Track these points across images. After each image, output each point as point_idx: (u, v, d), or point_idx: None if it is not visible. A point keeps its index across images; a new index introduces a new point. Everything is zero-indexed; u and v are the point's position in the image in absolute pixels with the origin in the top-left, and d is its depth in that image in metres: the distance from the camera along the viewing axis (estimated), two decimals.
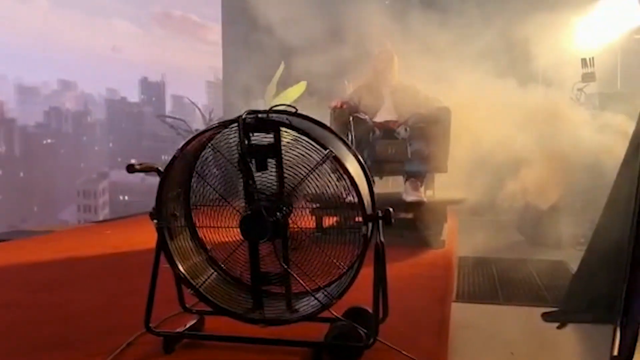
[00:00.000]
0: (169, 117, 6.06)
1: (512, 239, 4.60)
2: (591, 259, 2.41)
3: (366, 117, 3.43)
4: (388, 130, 3.53)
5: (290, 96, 5.68)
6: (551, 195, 4.32)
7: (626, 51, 5.30)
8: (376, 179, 3.51)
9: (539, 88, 6.06)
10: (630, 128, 2.41)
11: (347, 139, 3.27)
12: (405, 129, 3.42)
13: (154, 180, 1.52)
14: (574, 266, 2.92)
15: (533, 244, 4.32)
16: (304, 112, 1.62)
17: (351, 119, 3.30)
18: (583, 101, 4.76)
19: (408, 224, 3.30)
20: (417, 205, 3.24)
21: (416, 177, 3.31)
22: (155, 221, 1.56)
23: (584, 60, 4.97)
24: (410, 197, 3.21)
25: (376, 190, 1.64)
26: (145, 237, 1.99)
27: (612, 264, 2.16)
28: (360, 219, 1.50)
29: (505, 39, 6.12)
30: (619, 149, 2.50)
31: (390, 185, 4.00)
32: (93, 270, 2.81)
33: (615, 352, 1.46)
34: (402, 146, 3.36)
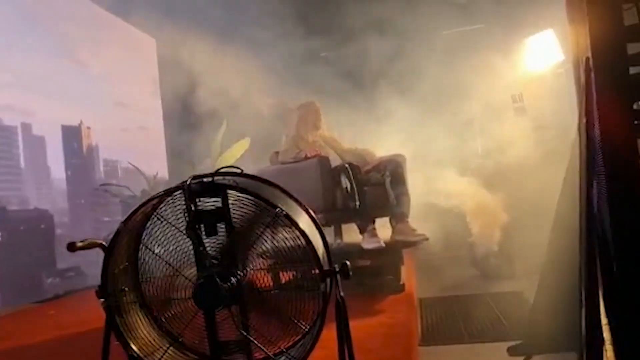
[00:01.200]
0: (112, 184, 5.89)
1: (467, 275, 4.65)
2: (545, 288, 2.46)
3: (357, 164, 3.43)
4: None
5: (234, 154, 5.67)
6: (500, 229, 4.44)
7: (551, 85, 5.64)
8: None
9: (475, 125, 6.35)
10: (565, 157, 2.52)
11: (343, 187, 3.27)
12: (382, 175, 3.46)
13: None
14: (530, 295, 2.97)
15: (488, 277, 4.38)
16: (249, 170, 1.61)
17: (347, 166, 3.29)
18: (517, 134, 4.97)
19: (366, 272, 3.28)
20: (421, 242, 3.32)
21: (404, 219, 3.35)
22: (102, 299, 1.48)
23: (513, 96, 5.23)
24: (414, 238, 3.25)
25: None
26: (94, 314, 1.87)
27: (567, 290, 2.21)
28: (316, 272, 1.47)
29: (438, 84, 6.43)
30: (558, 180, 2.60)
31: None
32: (38, 356, 2.61)
33: None
34: (382, 191, 3.41)
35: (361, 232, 3.26)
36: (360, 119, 7.26)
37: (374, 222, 3.33)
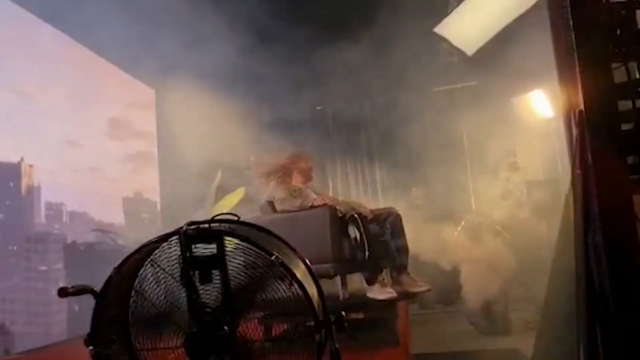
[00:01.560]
0: (102, 230, 5.81)
1: (462, 330, 4.57)
2: (543, 345, 2.41)
3: (367, 214, 3.42)
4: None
5: (229, 203, 5.65)
6: (495, 284, 4.40)
7: (542, 141, 5.75)
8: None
9: (468, 180, 6.43)
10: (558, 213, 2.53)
11: (351, 237, 3.24)
12: (382, 226, 3.45)
13: None
14: (527, 353, 2.91)
15: (484, 333, 4.30)
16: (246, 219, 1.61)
17: (357, 216, 3.27)
18: (511, 189, 5.03)
19: (360, 325, 3.22)
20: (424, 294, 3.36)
21: (404, 270, 3.34)
22: (90, 348, 1.43)
23: (507, 152, 5.31)
24: (418, 288, 3.24)
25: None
26: None
27: (565, 347, 2.17)
28: (311, 323, 1.44)
29: (429, 141, 6.53)
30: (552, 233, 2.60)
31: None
32: None
33: None
34: (382, 242, 3.39)
35: (369, 283, 3.22)
36: (351, 176, 7.32)
37: (381, 272, 3.30)
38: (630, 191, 1.24)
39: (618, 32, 1.56)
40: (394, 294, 3.12)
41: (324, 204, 3.35)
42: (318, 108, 7.72)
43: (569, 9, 1.33)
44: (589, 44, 1.31)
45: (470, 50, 5.70)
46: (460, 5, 5.58)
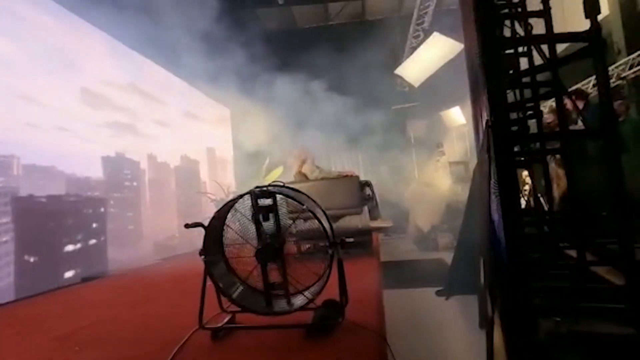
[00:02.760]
0: (207, 193, 5.84)
1: (409, 248, 4.61)
2: (459, 256, 2.44)
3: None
4: None
5: (273, 176, 5.64)
6: (430, 220, 4.41)
7: (459, 137, 5.67)
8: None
9: (414, 162, 6.32)
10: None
11: (366, 193, 3.27)
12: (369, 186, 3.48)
13: None
14: (447, 261, 2.95)
15: (423, 250, 4.34)
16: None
17: (368, 182, 3.33)
18: (440, 166, 4.96)
19: (352, 245, 3.26)
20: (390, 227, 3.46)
21: (379, 213, 3.43)
22: (203, 257, 1.48)
23: (437, 144, 5.24)
24: (386, 224, 3.35)
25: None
26: (190, 268, 1.86)
27: (472, 257, 2.19)
28: (325, 244, 1.48)
29: (387, 137, 6.38)
30: (464, 192, 2.59)
31: None
32: (161, 292, 2.56)
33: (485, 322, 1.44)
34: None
35: (374, 219, 3.28)
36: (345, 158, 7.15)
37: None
38: (514, 167, 1.24)
39: (510, 72, 1.54)
40: (391, 223, 3.23)
41: (351, 174, 3.34)
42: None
43: (480, 55, 1.31)
44: (493, 80, 1.29)
45: (416, 83, 5.56)
46: (411, 56, 5.43)
